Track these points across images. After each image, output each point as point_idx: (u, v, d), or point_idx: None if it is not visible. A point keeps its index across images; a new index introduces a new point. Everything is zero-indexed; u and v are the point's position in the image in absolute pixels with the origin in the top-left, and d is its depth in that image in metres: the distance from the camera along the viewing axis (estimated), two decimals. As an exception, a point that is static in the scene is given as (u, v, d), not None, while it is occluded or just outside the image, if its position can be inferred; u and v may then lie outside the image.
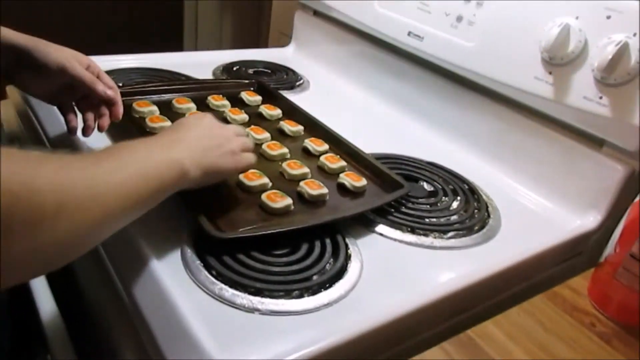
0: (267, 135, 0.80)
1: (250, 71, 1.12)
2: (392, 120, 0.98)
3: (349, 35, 1.13)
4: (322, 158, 0.76)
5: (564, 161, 0.77)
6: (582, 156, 0.75)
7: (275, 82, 1.07)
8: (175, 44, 2.01)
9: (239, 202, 0.64)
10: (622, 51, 0.65)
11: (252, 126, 0.81)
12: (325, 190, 0.68)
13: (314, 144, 0.79)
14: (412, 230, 0.66)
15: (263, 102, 0.92)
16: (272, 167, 0.72)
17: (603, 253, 0.68)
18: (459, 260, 0.63)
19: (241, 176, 0.66)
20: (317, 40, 1.23)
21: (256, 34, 2.04)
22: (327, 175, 0.74)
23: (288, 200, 0.64)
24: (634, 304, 0.58)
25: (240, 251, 0.56)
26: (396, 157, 0.83)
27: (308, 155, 0.78)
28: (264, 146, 0.76)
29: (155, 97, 0.86)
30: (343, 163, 0.75)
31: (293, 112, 0.89)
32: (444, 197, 0.75)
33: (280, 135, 0.83)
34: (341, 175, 0.72)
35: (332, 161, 0.75)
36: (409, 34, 0.94)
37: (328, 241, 0.61)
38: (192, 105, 0.84)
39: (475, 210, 0.73)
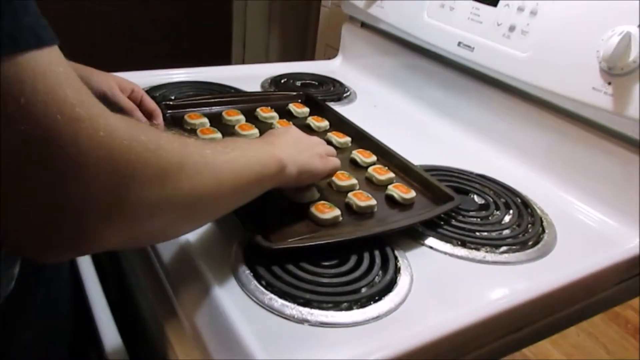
0: (315, 146, 0.80)
1: (298, 83, 1.13)
2: (441, 132, 0.97)
3: (396, 47, 1.12)
4: (370, 169, 0.75)
5: (623, 175, 0.74)
6: (643, 169, 0.71)
7: (323, 94, 1.07)
8: (223, 58, 2.05)
9: (288, 213, 0.64)
10: (689, 60, 0.62)
11: (300, 137, 0.81)
12: (373, 202, 0.67)
13: (362, 156, 0.78)
14: (463, 244, 0.64)
15: (310, 114, 0.92)
16: (320, 178, 0.72)
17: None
18: (513, 276, 0.61)
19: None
20: (365, 52, 1.23)
21: (303, 47, 2.06)
22: (375, 186, 0.73)
23: (336, 212, 0.63)
24: None
25: (289, 262, 0.56)
26: (446, 169, 0.82)
27: (356, 166, 0.78)
28: (312, 157, 0.76)
29: (206, 110, 0.87)
30: (391, 175, 0.74)
31: (340, 124, 0.89)
32: (495, 211, 0.73)
33: (327, 146, 0.83)
34: (389, 187, 0.71)
35: (381, 173, 0.74)
36: (459, 44, 0.92)
37: (377, 253, 0.60)
38: (242, 117, 0.85)
39: (529, 225, 0.70)
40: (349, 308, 0.52)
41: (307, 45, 2.06)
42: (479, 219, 0.71)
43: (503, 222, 0.71)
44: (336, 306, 0.52)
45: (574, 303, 0.64)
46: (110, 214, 0.36)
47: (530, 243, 0.67)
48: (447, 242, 0.65)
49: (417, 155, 0.81)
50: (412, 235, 0.65)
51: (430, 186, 0.73)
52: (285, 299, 0.52)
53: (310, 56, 1.89)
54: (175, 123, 0.80)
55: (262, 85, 1.10)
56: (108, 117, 0.36)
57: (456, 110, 0.98)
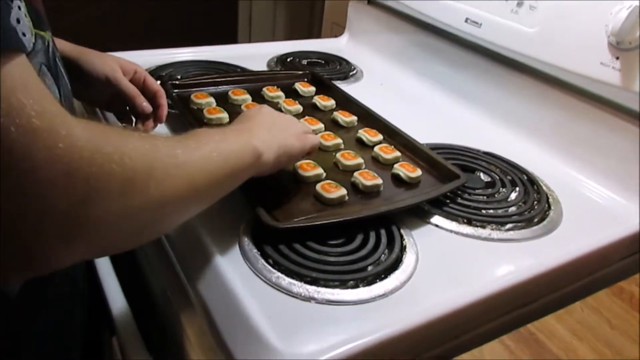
0: (321, 125, 0.80)
1: (304, 62, 1.13)
2: (448, 110, 0.96)
3: (403, 24, 1.11)
4: (376, 148, 0.75)
5: (631, 151, 0.73)
6: (651, 145, 0.71)
7: (329, 72, 1.07)
8: (229, 37, 2.04)
9: (295, 192, 0.65)
10: (699, 34, 0.61)
11: (306, 117, 0.81)
12: (379, 181, 0.67)
13: (368, 135, 0.79)
14: (469, 222, 0.65)
15: (317, 93, 0.92)
16: (327, 157, 0.73)
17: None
18: (518, 253, 0.62)
19: (296, 166, 0.67)
20: (371, 30, 1.22)
21: (309, 25, 2.04)
22: (381, 165, 0.73)
23: (342, 191, 0.64)
24: None
25: (296, 241, 0.57)
26: (452, 147, 0.82)
27: (362, 145, 0.78)
28: (318, 137, 0.76)
29: (212, 89, 0.87)
30: (397, 153, 0.75)
31: (347, 103, 0.89)
32: (501, 188, 0.73)
33: (334, 125, 0.83)
34: (396, 165, 0.71)
35: (387, 152, 0.74)
36: (466, 20, 0.91)
37: (383, 232, 0.60)
38: (248, 97, 0.85)
39: (535, 202, 0.70)
40: (355, 286, 0.53)
41: (313, 23, 2.05)
42: (485, 197, 0.71)
43: (509, 200, 0.71)
44: (343, 284, 0.53)
45: (579, 279, 0.64)
46: (71, 233, 0.34)
47: (536, 220, 0.67)
48: (452, 220, 0.65)
49: (424, 134, 0.81)
50: (418, 214, 0.65)
51: (437, 164, 0.73)
52: (292, 277, 0.53)
53: (316, 34, 1.87)
54: (182, 102, 0.80)
55: (269, 64, 1.09)
56: (71, 128, 0.33)
57: (463, 88, 0.98)
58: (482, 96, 0.94)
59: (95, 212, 0.34)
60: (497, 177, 0.75)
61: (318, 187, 0.64)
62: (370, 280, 0.54)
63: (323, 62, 1.14)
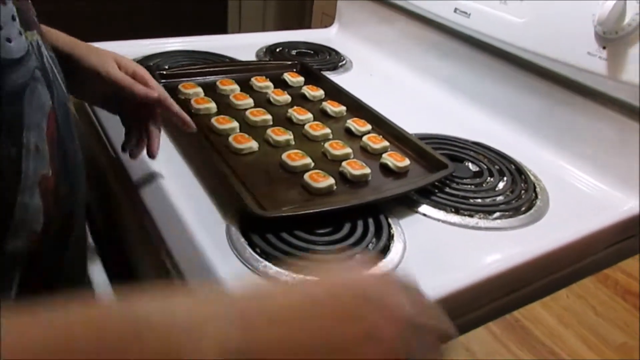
0: (309, 116, 0.80)
1: (293, 52, 1.12)
2: (437, 100, 0.96)
3: (392, 14, 1.11)
4: (364, 138, 0.75)
5: (617, 140, 0.74)
6: (635, 134, 0.71)
7: (318, 63, 1.07)
8: (219, 27, 2.03)
9: (283, 182, 0.65)
10: (684, 23, 0.61)
11: (295, 107, 0.81)
12: (367, 171, 0.67)
13: (357, 125, 0.79)
14: (457, 211, 0.65)
15: (306, 83, 0.92)
16: (315, 147, 0.72)
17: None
18: (505, 241, 0.62)
19: (284, 156, 0.67)
20: (361, 20, 1.21)
21: (300, 15, 2.04)
22: (369, 155, 0.73)
23: (330, 181, 0.64)
24: (692, 288, 0.55)
25: (283, 230, 0.57)
26: (441, 137, 0.82)
27: (351, 135, 0.78)
28: (306, 127, 0.76)
29: (200, 79, 0.87)
30: (386, 143, 0.75)
31: (336, 93, 0.89)
32: (489, 178, 0.73)
33: (322, 116, 0.83)
34: (384, 155, 0.72)
35: (375, 141, 0.74)
36: (455, 10, 0.91)
37: (371, 221, 0.61)
38: (236, 87, 0.85)
39: (522, 191, 0.71)
40: (343, 274, 0.53)
41: (304, 13, 2.04)
42: (472, 186, 0.71)
43: (497, 189, 0.71)
44: (330, 272, 0.53)
45: (565, 267, 0.65)
46: None
47: (523, 209, 0.68)
48: (440, 209, 0.65)
49: (413, 124, 0.81)
50: (406, 203, 0.65)
51: (425, 154, 0.73)
52: (280, 266, 0.53)
53: (307, 24, 1.87)
54: (170, 93, 0.80)
55: (257, 55, 1.09)
56: None
57: (453, 78, 0.98)
58: (471, 86, 0.94)
59: None
60: (485, 167, 0.75)
61: (306, 176, 0.64)
62: (357, 269, 0.54)
63: (312, 52, 1.14)
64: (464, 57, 0.95)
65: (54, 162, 0.44)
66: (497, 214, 0.66)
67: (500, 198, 0.69)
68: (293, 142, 0.73)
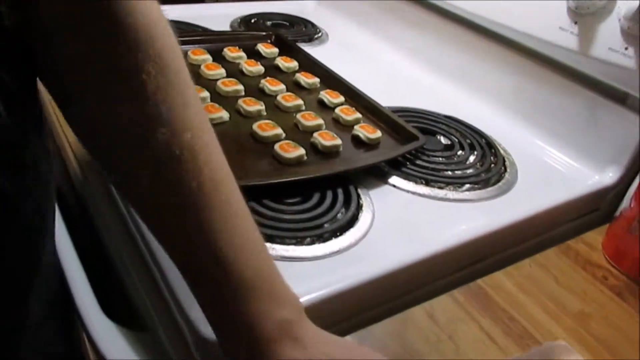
0: (282, 87, 0.79)
1: (269, 23, 1.11)
2: (411, 74, 0.96)
3: (369, -13, 1.10)
4: (337, 110, 0.75)
5: (586, 115, 0.75)
6: (604, 110, 0.72)
7: (293, 34, 1.05)
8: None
9: (253, 152, 0.64)
10: (652, -2, 0.62)
11: (268, 78, 0.80)
12: (338, 142, 0.67)
13: (330, 96, 0.78)
14: (427, 183, 0.66)
15: (280, 54, 0.91)
16: (287, 118, 0.72)
17: (619, 207, 0.67)
18: (473, 212, 0.63)
19: (255, 126, 0.67)
20: (337, -8, 1.20)
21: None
22: (341, 127, 0.73)
23: (301, 151, 0.64)
24: (649, 258, 0.57)
25: (252, 200, 0.56)
26: (413, 110, 0.82)
27: (323, 107, 0.78)
28: (278, 98, 0.76)
29: (171, 48, 0.85)
30: (358, 115, 0.75)
31: (310, 65, 0.88)
32: (460, 151, 0.74)
33: (296, 87, 0.82)
34: (356, 127, 0.72)
35: (347, 113, 0.74)
36: (430, -17, 0.91)
37: (340, 191, 0.61)
38: (208, 57, 0.84)
39: (492, 164, 0.72)
40: (311, 243, 0.54)
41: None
42: (443, 159, 0.72)
43: (467, 162, 0.72)
44: (298, 241, 0.53)
45: (530, 238, 0.66)
46: None
47: (492, 181, 0.68)
48: (410, 180, 0.66)
49: (386, 97, 0.81)
50: (376, 175, 0.66)
51: (397, 127, 0.74)
52: (248, 235, 0.52)
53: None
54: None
55: (232, 25, 1.07)
56: None
57: (426, 52, 0.98)
58: (444, 60, 0.94)
59: None
60: (457, 140, 0.76)
61: (276, 147, 0.64)
62: (326, 238, 0.54)
63: (288, 24, 1.12)
64: (438, 30, 0.95)
65: None
66: (466, 186, 0.67)
67: (470, 171, 0.70)
68: (265, 113, 0.72)
